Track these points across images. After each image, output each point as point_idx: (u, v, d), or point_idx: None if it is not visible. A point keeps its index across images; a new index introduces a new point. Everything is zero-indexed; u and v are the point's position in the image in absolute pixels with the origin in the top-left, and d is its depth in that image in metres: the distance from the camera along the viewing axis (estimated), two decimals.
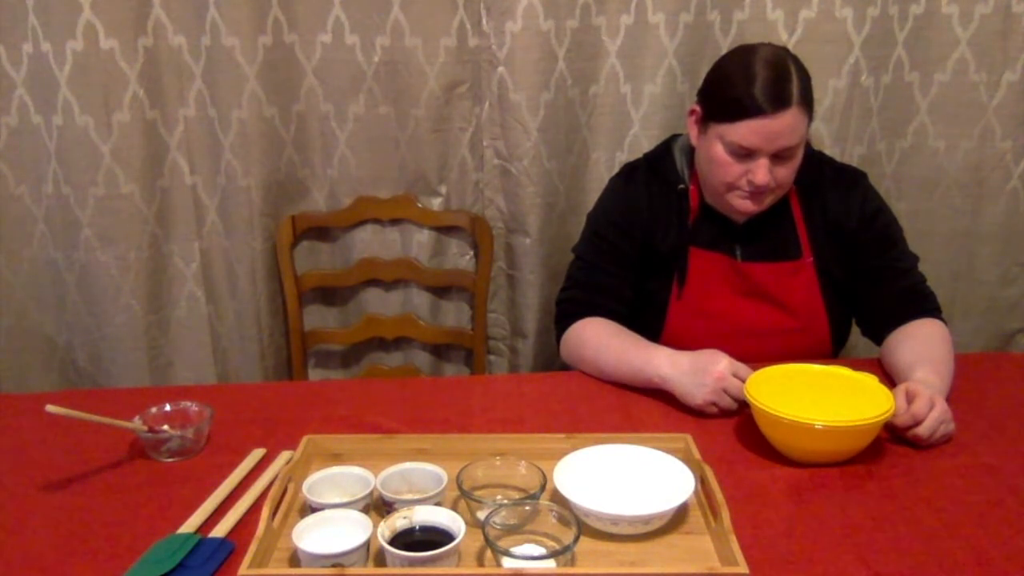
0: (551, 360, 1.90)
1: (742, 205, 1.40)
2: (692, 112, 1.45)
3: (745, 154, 1.35)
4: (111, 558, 0.97)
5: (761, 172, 1.34)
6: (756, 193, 1.38)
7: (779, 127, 1.31)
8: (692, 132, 1.46)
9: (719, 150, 1.37)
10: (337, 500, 1.01)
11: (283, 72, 1.83)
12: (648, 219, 1.50)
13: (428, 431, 1.23)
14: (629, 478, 1.08)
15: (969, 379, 1.36)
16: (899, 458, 1.17)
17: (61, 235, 1.85)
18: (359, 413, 1.32)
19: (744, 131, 1.33)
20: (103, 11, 1.67)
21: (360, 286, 2.02)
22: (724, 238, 1.49)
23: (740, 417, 1.28)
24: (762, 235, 1.48)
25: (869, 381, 1.23)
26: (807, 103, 1.35)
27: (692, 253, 1.48)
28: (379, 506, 1.04)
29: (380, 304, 2.03)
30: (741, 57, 1.38)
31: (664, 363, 1.32)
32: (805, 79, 1.35)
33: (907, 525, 1.02)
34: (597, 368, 1.43)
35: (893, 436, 1.20)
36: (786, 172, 1.37)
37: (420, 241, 1.98)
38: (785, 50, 1.39)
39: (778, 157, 1.35)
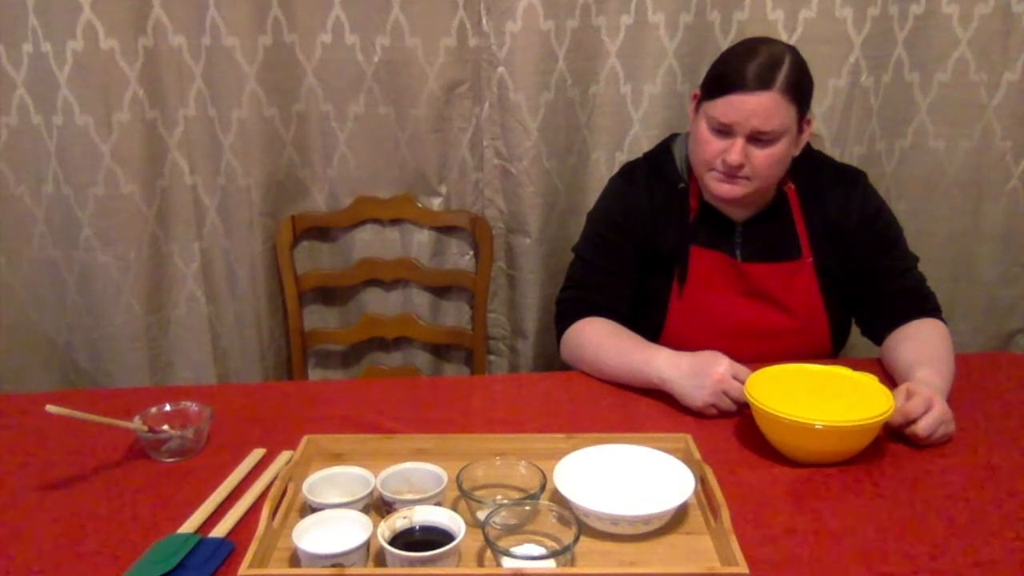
0: (551, 360, 1.90)
1: (718, 188, 1.40)
2: (694, 97, 1.45)
3: (724, 131, 1.36)
4: (111, 558, 0.97)
5: (735, 151, 1.34)
6: (730, 175, 1.38)
7: (756, 105, 1.32)
8: (691, 118, 1.46)
9: (702, 127, 1.39)
10: (337, 500, 1.01)
11: (283, 72, 1.83)
12: (648, 218, 1.50)
13: (428, 431, 1.23)
14: (629, 478, 1.08)
15: (969, 379, 1.37)
16: (899, 458, 1.17)
17: (61, 235, 1.85)
18: (359, 413, 1.32)
19: (723, 106, 1.34)
20: (103, 11, 1.67)
21: (360, 286, 2.02)
22: (724, 238, 1.49)
23: (740, 417, 1.28)
24: (762, 235, 1.48)
25: (869, 381, 1.23)
26: (795, 98, 1.34)
27: (693, 252, 1.48)
28: (379, 506, 1.04)
29: (380, 304, 2.03)
30: (748, 43, 1.40)
31: (664, 364, 1.32)
32: (799, 74, 1.35)
33: (907, 525, 1.02)
34: (597, 368, 1.43)
35: (893, 436, 1.20)
36: (763, 160, 1.36)
37: (420, 241, 1.98)
38: (792, 48, 1.39)
39: (756, 141, 1.35)
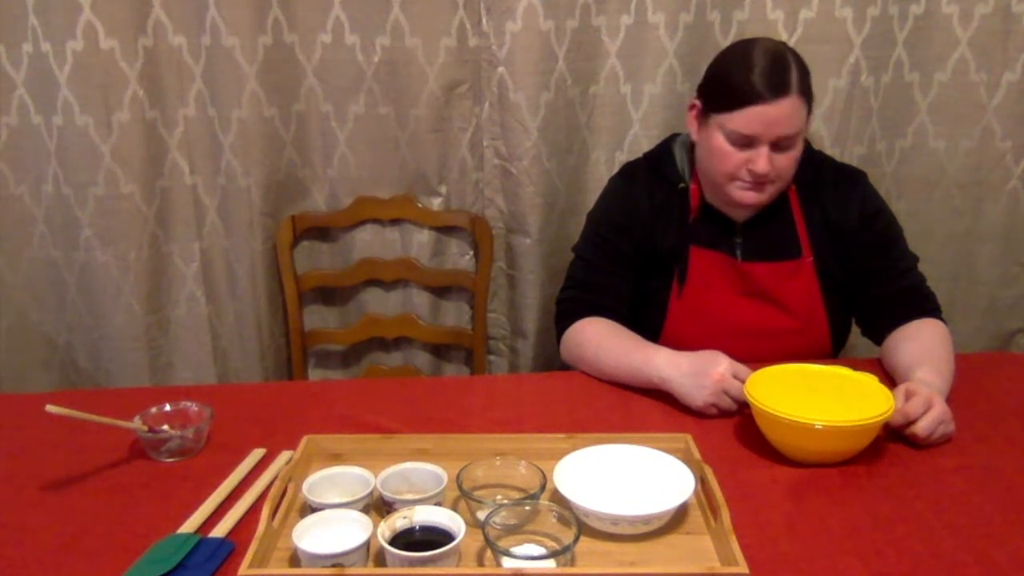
0: (551, 360, 1.90)
1: (743, 197, 1.40)
2: (692, 107, 1.45)
3: (745, 143, 1.35)
4: (111, 558, 0.97)
5: (762, 160, 1.34)
6: (757, 183, 1.38)
7: (778, 114, 1.32)
8: (692, 127, 1.46)
9: (720, 140, 1.37)
10: (337, 500, 1.01)
11: (283, 72, 1.83)
12: (648, 218, 1.50)
13: (428, 431, 1.22)
14: (629, 478, 1.08)
15: (969, 379, 1.36)
16: (899, 458, 1.17)
17: (61, 235, 1.85)
18: (359, 413, 1.32)
19: (744, 119, 1.33)
20: (103, 11, 1.67)
21: (360, 286, 2.02)
22: (724, 237, 1.49)
23: (740, 417, 1.28)
24: (762, 234, 1.48)
25: (869, 381, 1.23)
26: (806, 94, 1.36)
27: (692, 252, 1.48)
28: (379, 506, 1.04)
29: (380, 304, 2.03)
30: (741, 48, 1.40)
31: (664, 364, 1.32)
32: (804, 71, 1.36)
33: (907, 525, 1.02)
34: (597, 368, 1.43)
35: (893, 436, 1.20)
36: (786, 162, 1.37)
37: (420, 241, 1.98)
38: (784, 43, 1.40)
39: (777, 146, 1.35)
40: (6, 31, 1.72)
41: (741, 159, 1.37)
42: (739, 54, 1.38)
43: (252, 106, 1.81)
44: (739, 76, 1.34)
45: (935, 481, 1.12)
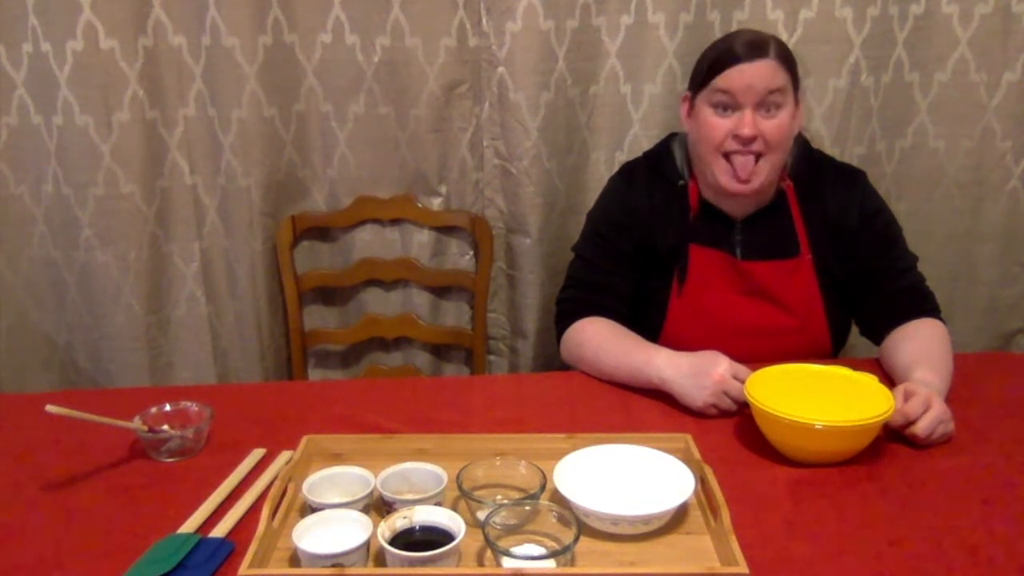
0: (551, 360, 1.90)
1: (733, 179, 1.40)
2: (684, 99, 1.47)
3: (729, 106, 1.38)
4: (111, 558, 0.97)
5: (746, 122, 1.36)
6: (746, 152, 1.38)
7: (756, 71, 1.35)
8: (684, 119, 1.49)
9: (707, 113, 1.40)
10: (337, 500, 1.01)
11: (283, 72, 1.83)
12: (648, 217, 1.50)
13: (428, 431, 1.23)
14: (629, 478, 1.08)
15: (969, 379, 1.36)
16: (899, 458, 1.17)
17: (61, 235, 1.85)
18: (359, 413, 1.32)
19: (724, 81, 1.37)
20: (103, 11, 1.67)
21: (360, 286, 2.02)
22: (724, 235, 1.49)
23: (740, 417, 1.28)
24: (761, 233, 1.48)
25: (869, 381, 1.23)
26: (788, 66, 1.38)
27: (692, 250, 1.48)
28: (379, 506, 1.04)
29: (380, 304, 2.03)
30: (722, 36, 1.47)
31: (664, 365, 1.32)
32: (786, 48, 1.40)
33: (907, 525, 1.02)
34: (597, 368, 1.43)
35: (893, 436, 1.20)
36: (772, 128, 1.37)
37: (420, 241, 1.98)
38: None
39: (762, 108, 1.36)
40: (6, 31, 1.72)
41: (727, 126, 1.38)
42: (719, 39, 1.45)
43: (252, 106, 1.81)
44: (719, 48, 1.41)
45: (935, 481, 1.12)
